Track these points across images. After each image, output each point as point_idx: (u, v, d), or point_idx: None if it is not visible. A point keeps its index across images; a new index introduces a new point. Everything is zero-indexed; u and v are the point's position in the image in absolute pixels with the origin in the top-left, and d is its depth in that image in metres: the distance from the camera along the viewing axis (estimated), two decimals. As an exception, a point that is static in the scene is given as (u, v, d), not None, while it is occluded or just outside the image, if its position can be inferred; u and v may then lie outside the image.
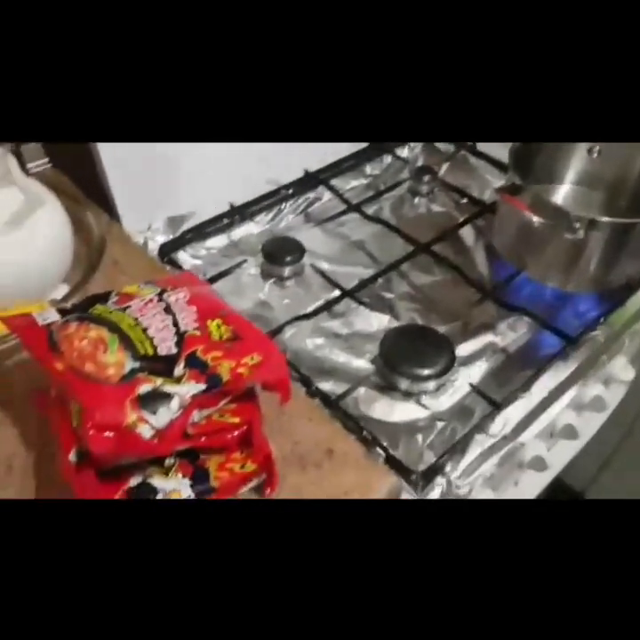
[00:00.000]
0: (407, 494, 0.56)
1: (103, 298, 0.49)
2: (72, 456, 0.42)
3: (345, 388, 0.63)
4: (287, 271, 0.76)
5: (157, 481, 0.44)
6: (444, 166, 0.95)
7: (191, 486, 0.45)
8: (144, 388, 0.42)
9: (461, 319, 0.72)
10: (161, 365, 0.44)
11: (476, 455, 0.60)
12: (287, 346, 0.68)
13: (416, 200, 0.90)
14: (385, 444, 0.58)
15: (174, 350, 0.45)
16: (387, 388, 0.65)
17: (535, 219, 0.71)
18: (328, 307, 0.72)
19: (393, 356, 0.65)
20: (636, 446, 1.11)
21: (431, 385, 0.64)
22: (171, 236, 0.78)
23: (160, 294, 0.49)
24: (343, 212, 0.85)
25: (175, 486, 0.45)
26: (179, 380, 0.43)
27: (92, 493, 0.43)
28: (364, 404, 0.63)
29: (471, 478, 0.58)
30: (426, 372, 0.64)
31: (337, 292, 0.74)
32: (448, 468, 0.58)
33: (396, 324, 0.71)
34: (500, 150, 0.90)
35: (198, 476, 0.45)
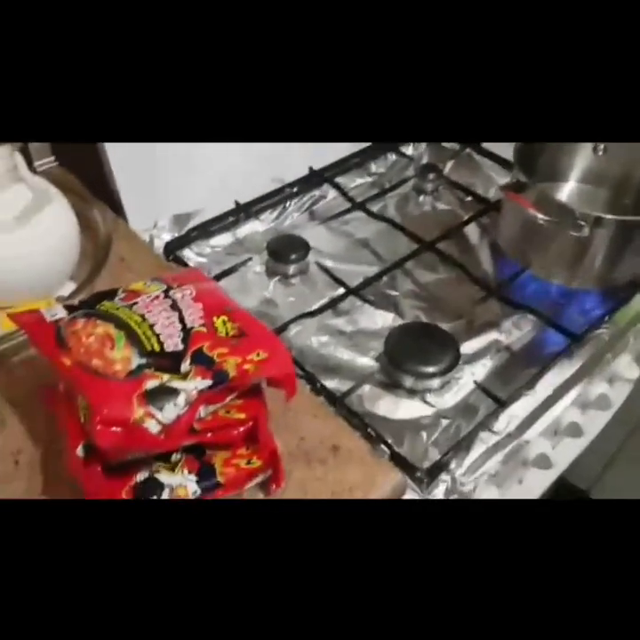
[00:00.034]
0: (412, 491, 0.56)
1: (110, 294, 0.49)
2: (79, 451, 0.42)
3: (349, 386, 0.64)
4: (292, 269, 0.76)
5: (164, 476, 0.45)
6: (449, 164, 0.95)
7: (197, 482, 0.45)
8: (151, 383, 0.42)
9: (466, 317, 0.73)
10: (167, 361, 0.44)
11: (480, 452, 0.60)
12: (292, 343, 0.68)
13: (421, 198, 0.90)
14: (390, 441, 0.58)
15: (181, 346, 0.45)
16: (391, 385, 0.65)
17: (540, 216, 0.71)
18: (333, 304, 0.73)
19: (398, 354, 0.65)
20: (640, 445, 1.11)
21: (436, 382, 0.65)
22: (176, 234, 0.79)
23: (166, 291, 0.50)
24: (348, 210, 0.86)
25: (181, 482, 0.45)
26: (185, 376, 0.44)
27: (99, 488, 0.43)
28: (368, 402, 0.64)
29: (476, 475, 0.59)
30: (430, 369, 0.64)
31: (342, 290, 0.74)
32: (453, 466, 0.58)
33: (400, 321, 0.71)
34: (505, 148, 0.90)
35: (204, 472, 0.46)
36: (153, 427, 0.42)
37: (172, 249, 0.76)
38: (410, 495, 0.56)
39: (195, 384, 0.43)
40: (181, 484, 0.45)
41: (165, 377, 0.43)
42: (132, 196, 0.74)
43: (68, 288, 0.62)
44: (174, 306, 0.48)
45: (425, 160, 0.96)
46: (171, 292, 0.49)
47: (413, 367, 0.64)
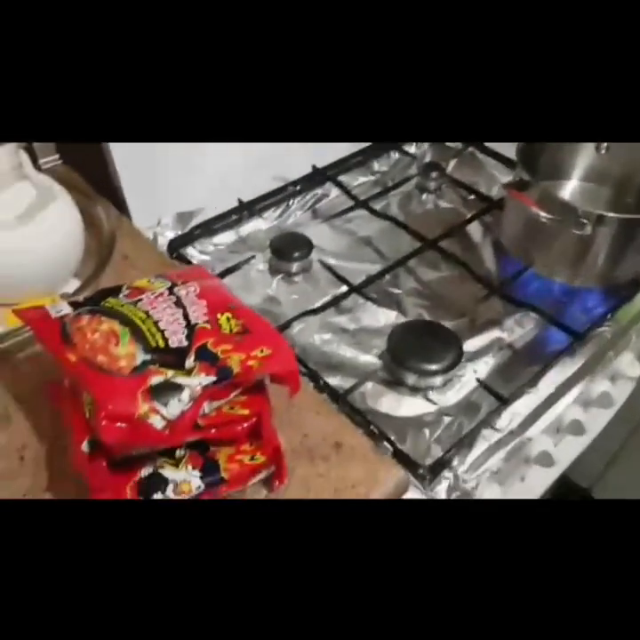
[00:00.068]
0: (414, 488, 0.56)
1: (115, 291, 0.49)
2: (84, 446, 0.43)
3: (352, 383, 0.64)
4: (295, 267, 0.77)
5: (168, 472, 0.45)
6: (452, 163, 0.95)
7: (201, 477, 0.45)
8: (155, 379, 0.43)
9: (468, 315, 0.73)
10: (172, 358, 0.45)
11: (482, 450, 0.60)
12: (295, 341, 0.68)
13: (424, 196, 0.90)
14: (392, 438, 0.59)
15: (185, 343, 0.46)
16: (394, 382, 0.65)
17: (543, 214, 0.72)
18: (336, 302, 0.73)
19: (400, 352, 0.65)
20: (642, 443, 1.11)
21: (438, 380, 0.65)
22: (179, 232, 0.79)
23: (171, 288, 0.50)
24: (351, 209, 0.86)
25: (185, 477, 0.45)
26: (189, 372, 0.44)
27: (104, 483, 0.43)
28: (371, 399, 0.64)
29: (478, 472, 0.59)
30: (433, 367, 0.64)
31: (344, 288, 0.74)
32: (455, 463, 0.58)
33: (403, 319, 0.72)
34: (508, 147, 0.91)
35: (208, 468, 0.46)
36: (157, 422, 0.42)
37: (176, 247, 0.77)
38: (412, 492, 0.56)
39: (199, 380, 0.44)
40: (185, 479, 0.45)
41: (170, 373, 0.44)
42: (135, 194, 0.74)
43: (73, 285, 0.62)
44: (178, 303, 0.48)
45: (428, 158, 0.96)
46: (175, 289, 0.50)
47: (416, 365, 0.64)
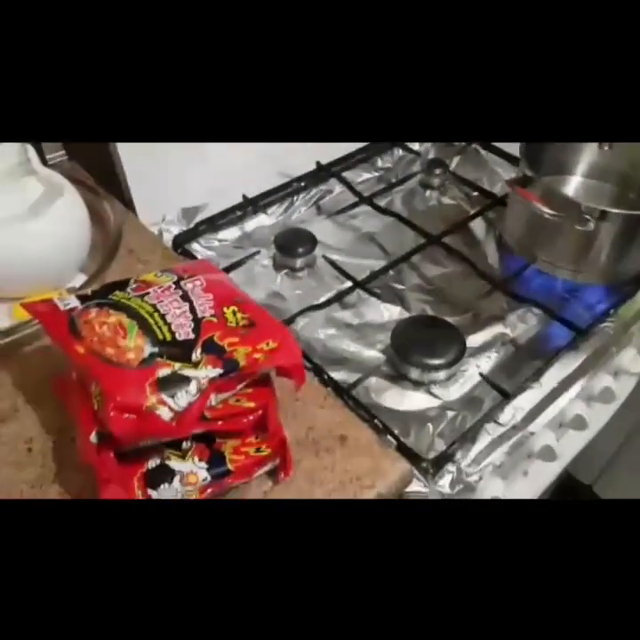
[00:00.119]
0: (417, 482, 0.56)
1: (122, 285, 0.50)
2: (93, 438, 0.43)
3: (356, 378, 0.64)
4: (299, 262, 0.77)
5: (175, 463, 0.45)
6: (456, 159, 0.96)
7: (207, 469, 0.46)
8: (163, 371, 0.43)
9: (472, 311, 0.73)
10: (179, 350, 0.45)
11: (485, 444, 0.60)
12: (299, 336, 0.69)
13: (427, 193, 0.91)
14: (396, 432, 0.59)
15: (192, 336, 0.46)
16: (398, 377, 0.66)
17: (546, 210, 0.72)
18: (339, 297, 0.73)
19: (404, 346, 0.66)
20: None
21: (442, 375, 0.65)
22: (184, 228, 0.79)
23: (177, 282, 0.50)
24: (355, 205, 0.86)
25: (192, 469, 0.46)
26: (196, 365, 0.44)
27: (112, 474, 0.44)
28: (375, 393, 0.64)
29: (481, 466, 0.59)
30: (436, 361, 0.65)
31: (348, 284, 0.75)
32: (458, 456, 0.59)
33: (406, 315, 0.72)
34: (511, 144, 0.91)
35: (214, 459, 0.46)
36: (165, 414, 0.42)
37: (180, 242, 0.77)
38: (416, 485, 0.56)
39: (206, 372, 0.44)
40: (192, 471, 0.46)
41: (177, 365, 0.44)
42: (140, 190, 0.75)
43: (79, 280, 0.63)
44: (185, 296, 0.49)
45: (431, 155, 0.96)
46: (181, 283, 0.50)
47: (420, 359, 0.65)
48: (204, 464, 0.46)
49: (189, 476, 0.45)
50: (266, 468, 0.49)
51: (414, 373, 0.65)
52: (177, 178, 0.77)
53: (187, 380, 0.43)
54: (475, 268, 0.78)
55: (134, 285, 0.50)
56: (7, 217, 0.57)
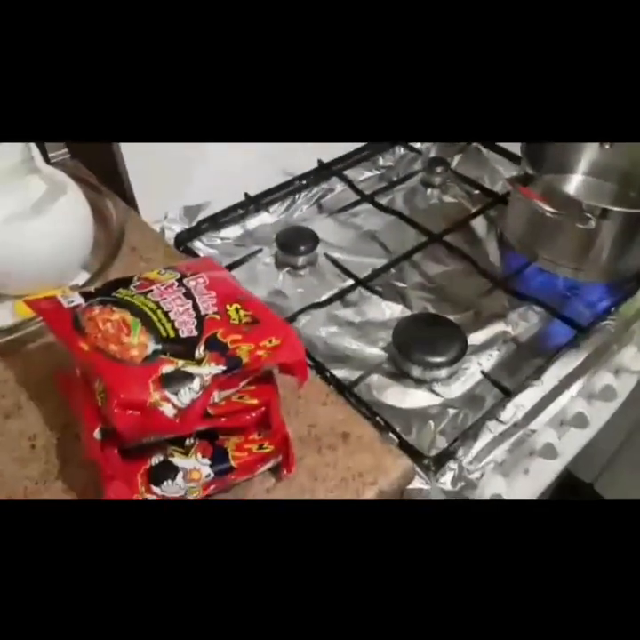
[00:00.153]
0: (419, 479, 0.57)
1: (125, 282, 0.50)
2: (96, 434, 0.43)
3: (358, 375, 0.64)
4: (301, 260, 0.77)
5: (178, 460, 0.46)
6: (457, 158, 0.96)
7: (210, 465, 0.46)
8: (166, 368, 0.43)
9: (473, 309, 0.73)
10: (182, 347, 0.45)
11: (487, 441, 0.60)
12: (301, 334, 0.69)
13: (428, 191, 0.91)
14: (398, 429, 0.59)
15: (195, 333, 0.46)
16: (399, 375, 0.66)
17: (547, 208, 0.72)
18: (341, 295, 0.73)
19: (406, 344, 0.66)
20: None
21: (443, 372, 0.65)
22: (186, 226, 0.79)
23: (180, 279, 0.51)
24: (356, 203, 0.86)
25: (195, 465, 0.46)
26: (200, 362, 0.45)
27: (116, 471, 0.44)
28: (377, 391, 0.64)
29: (482, 464, 0.59)
30: (438, 359, 0.65)
31: (350, 282, 0.75)
32: (460, 454, 0.59)
33: (408, 313, 0.72)
34: (512, 142, 0.91)
35: (217, 456, 0.46)
36: (169, 410, 0.42)
37: (183, 240, 0.77)
38: (417, 483, 0.56)
39: (209, 369, 0.44)
40: (195, 467, 0.46)
41: (180, 362, 0.44)
42: (142, 188, 0.75)
43: (82, 277, 0.63)
44: (188, 294, 0.49)
45: (433, 154, 0.96)
46: (184, 281, 0.50)
47: (421, 357, 0.65)
48: (207, 461, 0.46)
49: (192, 472, 0.46)
50: (268, 465, 0.49)
51: (416, 371, 0.65)
52: (179, 176, 0.77)
53: (190, 376, 0.44)
54: (476, 266, 0.78)
55: (137, 283, 0.50)
56: (10, 215, 0.57)
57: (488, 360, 0.68)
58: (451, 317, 0.70)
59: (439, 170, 0.90)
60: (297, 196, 0.86)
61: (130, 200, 0.74)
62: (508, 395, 0.63)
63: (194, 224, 0.80)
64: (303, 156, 0.88)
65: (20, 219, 0.57)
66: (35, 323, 0.57)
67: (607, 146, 0.84)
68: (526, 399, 0.64)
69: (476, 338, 0.70)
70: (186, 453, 0.46)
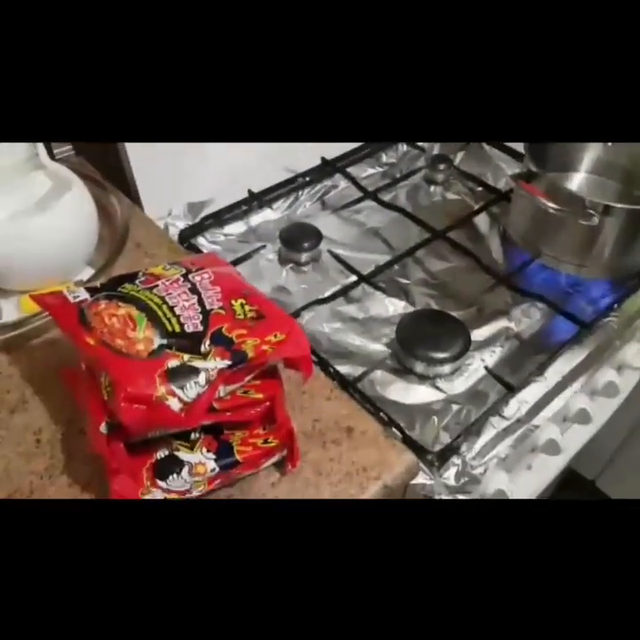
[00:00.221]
0: (423, 474, 0.57)
1: (131, 278, 0.50)
2: (102, 428, 0.43)
3: (361, 371, 0.65)
4: (304, 257, 0.77)
5: (183, 454, 0.46)
6: (460, 155, 0.96)
7: (215, 460, 0.46)
8: (172, 363, 0.44)
9: (476, 305, 0.73)
10: (188, 342, 0.45)
11: (490, 437, 0.61)
12: (305, 330, 0.68)
13: (431, 188, 0.91)
14: (402, 425, 0.59)
15: (200, 328, 0.46)
16: (403, 371, 0.66)
17: (550, 205, 0.72)
18: (345, 292, 0.74)
19: (409, 340, 0.66)
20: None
21: (446, 368, 0.66)
22: (190, 223, 0.80)
23: (185, 274, 0.51)
24: (359, 200, 0.87)
25: (200, 459, 0.46)
26: (205, 356, 0.45)
27: (122, 465, 0.44)
28: (380, 387, 0.65)
29: (486, 459, 0.59)
30: (441, 355, 0.65)
31: (353, 278, 0.75)
32: (463, 449, 0.59)
33: (411, 309, 0.72)
34: (515, 142, 0.91)
35: (222, 450, 0.47)
36: (174, 404, 0.43)
37: (186, 237, 0.78)
38: (421, 478, 0.57)
39: (214, 364, 0.45)
40: (200, 461, 0.46)
41: (186, 357, 0.44)
42: (146, 185, 0.75)
43: (87, 273, 0.63)
44: (194, 289, 0.49)
45: (436, 151, 0.97)
46: (190, 276, 0.50)
47: (425, 353, 0.65)
48: (212, 455, 0.46)
49: (198, 466, 0.46)
50: (273, 460, 0.50)
51: (419, 367, 0.65)
52: (183, 173, 0.77)
53: (196, 371, 0.44)
54: (479, 262, 0.78)
55: (143, 278, 0.50)
56: (15, 211, 0.57)
57: (491, 356, 0.68)
58: (454, 314, 0.70)
59: (442, 167, 0.91)
60: (300, 193, 0.87)
61: (134, 196, 0.75)
62: (511, 390, 0.64)
63: (197, 220, 0.80)
64: (306, 153, 0.88)
65: (25, 215, 0.58)
66: (40, 318, 0.57)
67: (610, 143, 0.84)
68: (529, 395, 0.64)
69: (479, 334, 0.70)
70: (191, 448, 0.46)
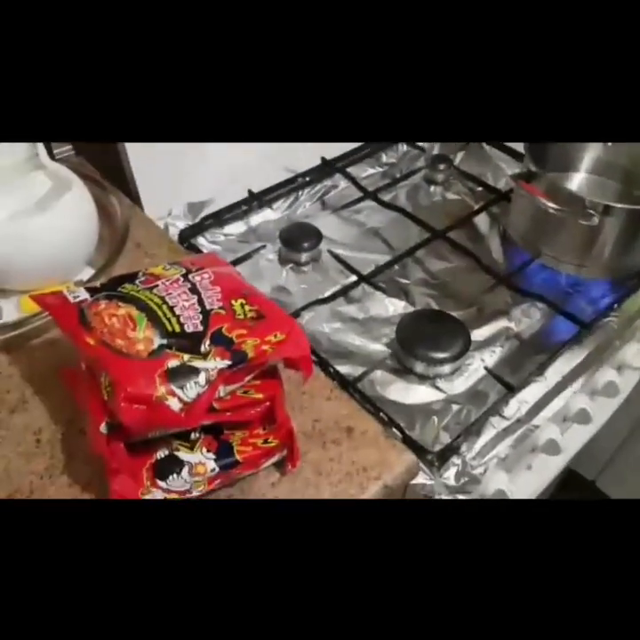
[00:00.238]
0: (423, 474, 0.57)
1: (131, 278, 0.50)
2: (102, 428, 0.43)
3: (361, 371, 0.65)
4: (304, 257, 0.77)
5: (183, 454, 0.46)
6: (460, 155, 0.96)
7: (215, 460, 0.46)
8: (172, 363, 0.44)
9: (476, 305, 0.73)
10: (188, 342, 0.45)
11: (490, 437, 0.61)
12: (305, 330, 0.68)
13: (431, 188, 0.91)
14: (402, 425, 0.59)
15: (200, 328, 0.46)
16: (403, 371, 0.66)
17: (550, 205, 0.72)
18: (345, 292, 0.74)
19: (409, 340, 0.66)
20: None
21: (446, 368, 0.66)
22: (190, 223, 0.80)
23: (185, 274, 0.51)
24: (359, 200, 0.87)
25: (200, 459, 0.46)
26: (205, 356, 0.45)
27: (122, 464, 0.44)
28: (380, 387, 0.64)
29: (486, 459, 0.59)
30: (441, 355, 0.65)
31: (353, 278, 0.75)
32: (463, 449, 0.59)
33: (411, 309, 0.72)
34: (515, 142, 0.91)
35: (222, 450, 0.47)
36: (174, 404, 0.43)
37: (186, 237, 0.78)
38: (421, 478, 0.57)
39: (214, 364, 0.44)
40: (200, 461, 0.46)
41: (186, 357, 0.44)
42: (146, 185, 0.75)
43: (87, 273, 0.63)
44: (193, 289, 0.49)
45: (436, 151, 0.97)
46: (190, 276, 0.51)
47: (425, 353, 0.65)
48: (212, 455, 0.46)
49: (198, 466, 0.46)
50: (273, 460, 0.50)
51: (419, 367, 0.65)
52: (183, 173, 0.77)
53: (196, 371, 0.44)
54: (479, 262, 0.78)
55: (143, 278, 0.50)
56: (15, 211, 0.57)
57: (491, 356, 0.68)
58: (454, 314, 0.70)
59: (442, 167, 0.91)
60: (300, 193, 0.87)
61: (134, 197, 0.75)
62: (511, 390, 0.64)
63: (197, 220, 0.80)
64: (306, 153, 0.88)
65: (25, 215, 0.58)
66: (39, 318, 0.57)
67: (610, 143, 0.84)
68: (529, 395, 0.64)
69: (479, 334, 0.70)
70: (191, 448, 0.46)
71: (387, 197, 0.87)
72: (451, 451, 0.58)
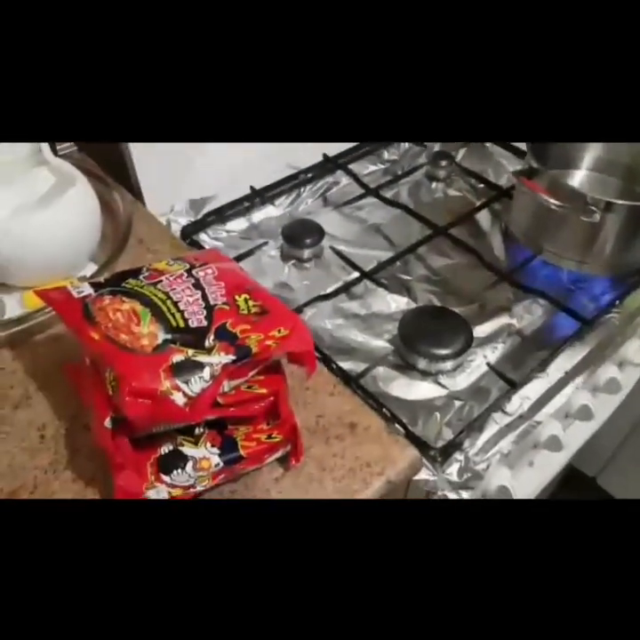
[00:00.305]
0: (426, 470, 0.57)
1: (135, 273, 0.50)
2: (107, 423, 0.43)
3: (364, 367, 0.65)
4: (306, 253, 0.77)
5: (188, 449, 0.46)
6: (461, 151, 0.96)
7: (219, 455, 0.46)
8: (177, 357, 0.44)
9: (478, 301, 0.74)
10: (192, 337, 0.45)
11: (493, 433, 0.61)
12: (307, 326, 0.69)
13: (433, 185, 0.91)
14: (404, 421, 0.59)
15: (204, 323, 0.46)
16: (405, 367, 0.66)
17: (552, 202, 0.72)
18: (347, 288, 0.74)
19: (411, 336, 0.66)
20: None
21: (449, 365, 0.66)
22: (192, 219, 0.80)
23: (189, 270, 0.51)
24: (361, 196, 0.87)
25: (205, 454, 0.46)
26: (209, 351, 0.45)
27: (127, 459, 0.44)
28: (382, 383, 0.65)
29: (488, 455, 0.60)
30: (444, 351, 0.65)
31: (355, 274, 0.75)
32: (466, 445, 0.59)
33: (413, 305, 0.72)
34: (518, 142, 0.91)
35: (227, 445, 0.47)
36: (179, 399, 0.43)
37: (189, 233, 0.78)
38: (424, 474, 0.57)
39: (219, 359, 0.45)
40: (204, 456, 0.46)
41: (190, 352, 0.44)
42: (149, 181, 0.75)
43: (90, 269, 0.63)
44: (197, 284, 0.49)
45: (437, 148, 0.96)
46: (193, 271, 0.51)
47: (427, 349, 0.65)
48: (216, 450, 0.46)
49: (202, 461, 0.46)
50: (277, 455, 0.50)
51: (421, 363, 0.65)
52: (185, 169, 0.78)
53: (200, 366, 0.44)
54: (481, 259, 0.78)
55: (147, 273, 0.50)
56: (19, 207, 0.57)
57: (493, 352, 0.68)
58: (456, 310, 0.70)
59: (444, 163, 0.91)
60: (302, 190, 0.87)
61: (136, 193, 0.75)
62: (513, 387, 0.64)
63: (200, 217, 0.80)
64: (308, 149, 0.88)
65: (28, 210, 0.58)
66: (43, 314, 0.57)
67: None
68: (531, 391, 0.64)
69: (481, 330, 0.70)
70: (195, 443, 0.47)
71: (388, 194, 0.87)
72: (453, 447, 0.58)
